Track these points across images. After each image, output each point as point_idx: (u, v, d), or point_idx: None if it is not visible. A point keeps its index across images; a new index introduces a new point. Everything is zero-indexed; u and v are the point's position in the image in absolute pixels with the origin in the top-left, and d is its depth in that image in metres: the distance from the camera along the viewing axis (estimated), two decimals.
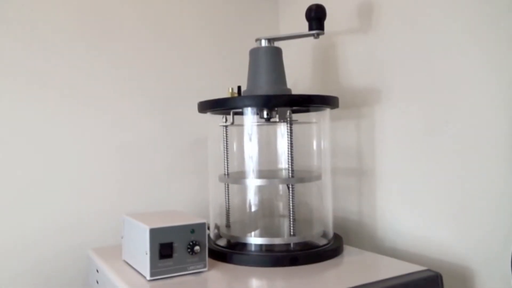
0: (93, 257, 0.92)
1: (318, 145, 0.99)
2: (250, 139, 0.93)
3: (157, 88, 1.13)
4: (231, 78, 1.20)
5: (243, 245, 0.89)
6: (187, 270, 0.78)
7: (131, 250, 0.83)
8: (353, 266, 0.83)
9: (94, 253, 0.93)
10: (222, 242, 0.93)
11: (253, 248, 0.88)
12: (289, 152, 0.87)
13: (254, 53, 0.95)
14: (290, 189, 0.88)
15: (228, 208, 0.99)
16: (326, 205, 0.97)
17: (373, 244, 1.01)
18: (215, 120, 0.99)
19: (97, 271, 0.88)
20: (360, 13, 1.04)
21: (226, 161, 0.98)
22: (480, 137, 0.82)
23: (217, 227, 0.97)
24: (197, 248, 0.77)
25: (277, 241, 0.87)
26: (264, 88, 0.92)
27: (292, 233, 0.87)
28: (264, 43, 0.94)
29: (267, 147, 1.00)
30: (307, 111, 0.99)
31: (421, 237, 0.92)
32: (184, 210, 1.13)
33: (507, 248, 0.78)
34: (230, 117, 0.92)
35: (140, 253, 0.78)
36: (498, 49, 0.78)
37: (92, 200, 1.05)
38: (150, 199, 1.11)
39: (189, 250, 0.77)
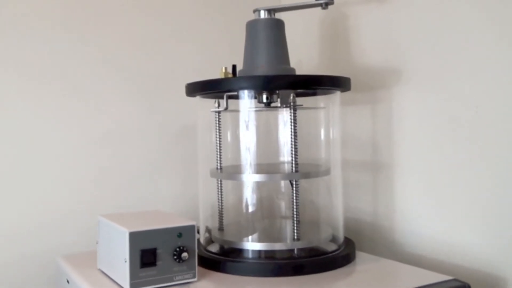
0: (63, 265, 0.91)
1: (327, 135, 0.99)
2: (247, 128, 0.93)
3: (138, 68, 1.12)
4: (224, 56, 1.19)
5: (239, 252, 0.89)
6: (173, 281, 0.78)
7: (108, 257, 0.83)
8: (367, 275, 0.83)
9: (64, 261, 0.93)
10: (214, 248, 0.93)
11: (250, 255, 0.88)
12: (293, 143, 0.87)
13: (252, 27, 0.95)
14: (294, 185, 0.88)
15: (222, 208, 0.99)
16: (336, 205, 0.98)
17: (391, 250, 1.02)
18: (206, 105, 0.99)
19: (68, 281, 0.88)
20: None
21: (218, 153, 0.98)
22: None
23: (208, 230, 0.98)
24: (185, 255, 0.77)
25: (278, 246, 0.87)
26: (264, 68, 0.92)
27: (296, 237, 0.87)
28: (263, 14, 0.94)
29: (267, 137, 1.00)
30: (314, 94, 0.98)
31: (446, 241, 0.92)
32: (170, 211, 1.13)
33: None
34: (223, 102, 0.91)
35: (118, 261, 0.77)
36: None
37: (62, 198, 1.04)
38: (129, 198, 1.11)
39: (175, 257, 0.77)
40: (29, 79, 1.01)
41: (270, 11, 0.94)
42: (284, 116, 0.99)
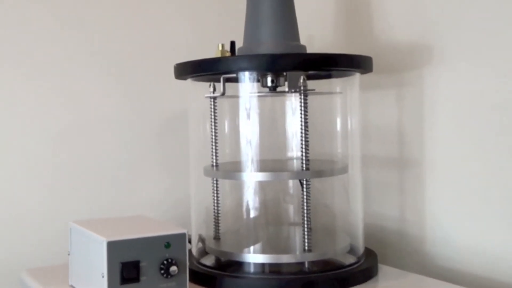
0: (29, 281, 0.91)
1: (344, 125, 0.99)
2: (249, 117, 0.93)
3: (117, 46, 1.13)
4: (221, 31, 1.19)
5: (239, 265, 0.89)
6: None
7: (82, 271, 0.83)
8: None
9: (29, 276, 0.93)
10: (209, 261, 0.93)
11: (252, 269, 0.88)
12: (303, 135, 0.87)
13: None
14: (304, 186, 0.88)
15: (218, 213, 1.00)
16: (355, 209, 0.98)
17: (420, 263, 1.02)
18: (199, 90, 0.99)
19: None
20: None
21: (214, 147, 0.98)
22: None
23: (201, 239, 0.98)
24: (173, 268, 0.77)
25: (285, 259, 0.88)
26: (268, 45, 0.92)
27: (306, 248, 0.87)
28: None
29: (272, 128, 1.00)
30: (329, 77, 0.98)
31: (486, 253, 0.92)
32: (156, 216, 1.13)
33: None
34: (220, 86, 0.91)
35: (94, 276, 0.77)
36: None
37: (26, 201, 1.05)
38: (107, 201, 1.11)
39: (162, 271, 0.77)
40: None
41: None
42: (292, 102, 0.99)
